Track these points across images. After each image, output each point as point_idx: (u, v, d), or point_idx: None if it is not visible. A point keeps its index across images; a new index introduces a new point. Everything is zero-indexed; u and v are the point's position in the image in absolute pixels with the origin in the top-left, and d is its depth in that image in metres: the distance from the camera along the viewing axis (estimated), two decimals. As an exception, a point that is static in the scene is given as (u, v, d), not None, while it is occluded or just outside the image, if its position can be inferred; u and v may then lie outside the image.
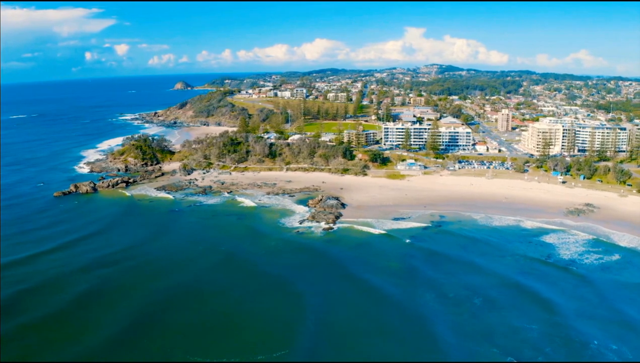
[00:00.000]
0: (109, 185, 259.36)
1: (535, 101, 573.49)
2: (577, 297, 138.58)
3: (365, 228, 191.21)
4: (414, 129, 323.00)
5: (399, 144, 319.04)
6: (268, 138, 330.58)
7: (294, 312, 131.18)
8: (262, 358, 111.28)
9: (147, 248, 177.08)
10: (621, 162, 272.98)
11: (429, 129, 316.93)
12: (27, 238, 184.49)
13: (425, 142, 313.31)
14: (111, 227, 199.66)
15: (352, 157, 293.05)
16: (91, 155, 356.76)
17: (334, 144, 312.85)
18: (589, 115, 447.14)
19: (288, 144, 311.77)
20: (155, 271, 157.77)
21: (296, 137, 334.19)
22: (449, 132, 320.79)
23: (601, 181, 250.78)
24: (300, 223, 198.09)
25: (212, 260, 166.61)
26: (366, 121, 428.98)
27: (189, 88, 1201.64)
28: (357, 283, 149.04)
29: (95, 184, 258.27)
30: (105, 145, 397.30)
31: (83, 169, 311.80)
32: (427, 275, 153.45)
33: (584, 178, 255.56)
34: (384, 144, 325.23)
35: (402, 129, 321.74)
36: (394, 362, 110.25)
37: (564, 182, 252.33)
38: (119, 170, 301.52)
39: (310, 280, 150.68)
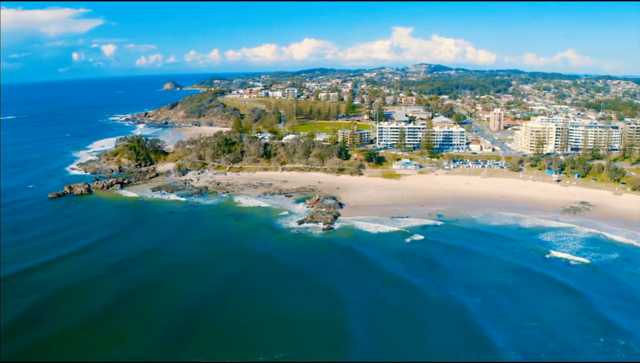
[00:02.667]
0: (103, 186, 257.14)
1: (525, 100, 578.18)
2: (585, 290, 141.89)
3: (365, 228, 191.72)
4: (409, 128, 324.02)
5: (394, 144, 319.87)
6: (262, 138, 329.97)
7: (336, 309, 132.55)
8: (263, 358, 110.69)
9: (162, 252, 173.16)
10: (614, 160, 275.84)
11: (423, 128, 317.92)
12: (39, 244, 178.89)
13: (420, 141, 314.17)
14: (118, 230, 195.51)
15: (348, 157, 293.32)
16: (83, 156, 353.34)
17: (329, 143, 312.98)
18: (579, 114, 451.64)
19: (283, 144, 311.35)
20: (179, 275, 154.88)
21: (290, 137, 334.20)
22: (443, 132, 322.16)
23: (595, 179, 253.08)
24: (300, 224, 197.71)
25: (230, 261, 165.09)
26: (359, 121, 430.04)
27: (178, 88, 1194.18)
28: (375, 277, 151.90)
29: (89, 185, 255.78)
30: (97, 146, 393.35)
31: (76, 170, 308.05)
32: (433, 271, 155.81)
33: (578, 176, 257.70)
34: (379, 144, 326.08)
35: (397, 128, 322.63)
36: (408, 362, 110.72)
37: (558, 181, 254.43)
38: (112, 171, 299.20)
39: (332, 277, 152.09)
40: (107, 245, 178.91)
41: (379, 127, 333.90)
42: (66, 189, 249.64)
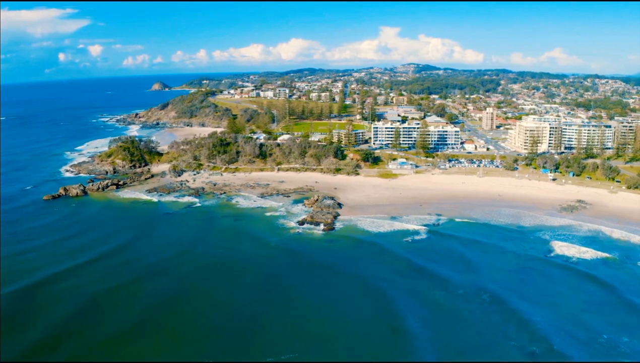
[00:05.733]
0: (99, 188, 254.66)
1: (514, 100, 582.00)
2: (604, 278, 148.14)
3: (367, 227, 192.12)
4: (404, 128, 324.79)
5: (389, 143, 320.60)
6: (257, 138, 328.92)
7: (382, 303, 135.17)
8: (271, 359, 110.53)
9: (184, 255, 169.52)
10: (608, 158, 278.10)
11: (418, 128, 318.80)
12: (56, 250, 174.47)
13: (414, 141, 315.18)
14: (132, 235, 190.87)
15: (344, 157, 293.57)
16: (76, 157, 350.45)
17: (324, 143, 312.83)
18: (569, 113, 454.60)
19: (278, 144, 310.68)
20: (212, 278, 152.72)
21: (285, 137, 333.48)
22: (438, 131, 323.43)
23: (590, 178, 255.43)
24: (301, 224, 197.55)
25: (253, 262, 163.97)
26: (351, 120, 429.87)
27: (167, 89, 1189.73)
28: (398, 272, 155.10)
29: (85, 187, 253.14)
30: (89, 147, 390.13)
31: (69, 171, 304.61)
32: (443, 270, 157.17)
33: (573, 175, 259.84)
34: (374, 144, 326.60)
35: (392, 128, 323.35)
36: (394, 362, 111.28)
37: (554, 179, 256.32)
38: (107, 172, 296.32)
39: (359, 274, 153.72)
40: (126, 250, 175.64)
41: (374, 127, 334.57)
42: (61, 191, 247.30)
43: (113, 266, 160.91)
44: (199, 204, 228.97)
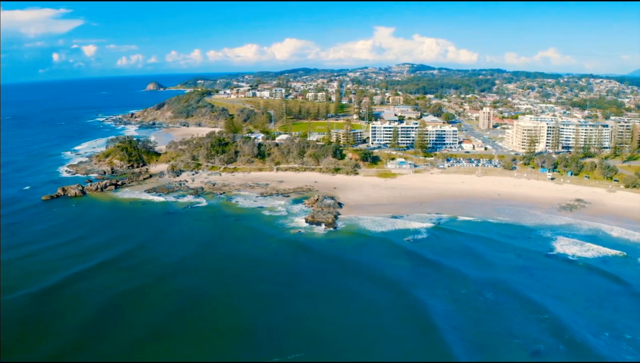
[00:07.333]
0: (97, 188, 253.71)
1: (510, 99, 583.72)
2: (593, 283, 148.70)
3: (369, 227, 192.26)
4: (402, 128, 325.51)
5: (387, 143, 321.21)
6: (255, 138, 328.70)
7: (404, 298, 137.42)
8: (277, 359, 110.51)
9: (199, 258, 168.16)
10: (606, 158, 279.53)
11: (416, 127, 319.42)
12: (59, 252, 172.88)
13: (413, 140, 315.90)
14: (136, 234, 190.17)
15: (342, 157, 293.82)
16: (74, 157, 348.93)
17: (323, 143, 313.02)
18: (565, 112, 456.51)
19: (277, 144, 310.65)
20: (221, 280, 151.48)
21: (284, 137, 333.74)
22: (436, 131, 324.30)
23: (588, 177, 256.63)
24: (305, 223, 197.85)
25: (266, 264, 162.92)
26: (349, 120, 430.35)
27: (162, 89, 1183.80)
28: (409, 268, 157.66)
29: (83, 187, 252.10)
30: (86, 147, 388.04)
31: (67, 172, 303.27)
32: (452, 265, 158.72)
33: (571, 174, 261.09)
34: (372, 143, 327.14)
35: (390, 128, 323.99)
36: (401, 362, 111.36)
37: (552, 179, 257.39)
38: (105, 172, 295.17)
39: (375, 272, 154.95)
40: (135, 252, 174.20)
41: (372, 127, 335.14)
42: (60, 191, 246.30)
43: (126, 268, 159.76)
44: (199, 204, 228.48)
